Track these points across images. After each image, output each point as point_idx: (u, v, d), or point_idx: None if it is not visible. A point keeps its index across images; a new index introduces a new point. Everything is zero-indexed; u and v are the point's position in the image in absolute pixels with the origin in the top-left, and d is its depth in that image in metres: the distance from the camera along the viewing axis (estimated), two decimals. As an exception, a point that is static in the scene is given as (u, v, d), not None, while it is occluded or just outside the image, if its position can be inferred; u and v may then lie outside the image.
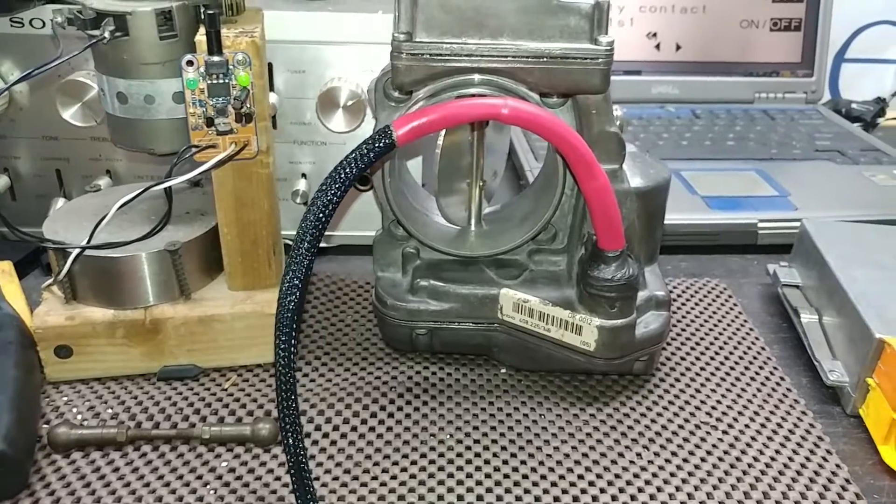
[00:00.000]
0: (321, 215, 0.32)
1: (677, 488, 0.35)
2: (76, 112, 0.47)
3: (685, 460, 0.37)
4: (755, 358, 0.45)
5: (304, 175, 0.51)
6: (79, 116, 0.47)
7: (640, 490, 0.35)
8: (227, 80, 0.36)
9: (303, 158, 0.51)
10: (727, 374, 0.43)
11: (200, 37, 0.36)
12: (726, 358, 0.45)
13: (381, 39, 0.47)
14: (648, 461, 0.37)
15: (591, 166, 0.35)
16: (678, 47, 0.80)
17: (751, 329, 0.47)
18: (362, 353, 0.44)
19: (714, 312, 0.49)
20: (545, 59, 0.36)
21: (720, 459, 0.37)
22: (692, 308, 0.49)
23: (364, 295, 0.50)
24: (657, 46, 0.80)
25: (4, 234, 0.51)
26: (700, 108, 0.79)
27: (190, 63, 0.36)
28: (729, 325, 0.48)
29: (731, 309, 0.50)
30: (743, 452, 0.37)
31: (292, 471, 0.31)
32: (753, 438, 0.38)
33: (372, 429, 0.38)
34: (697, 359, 0.45)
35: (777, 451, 0.37)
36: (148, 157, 0.50)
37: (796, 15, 0.80)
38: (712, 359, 0.45)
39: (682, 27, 0.79)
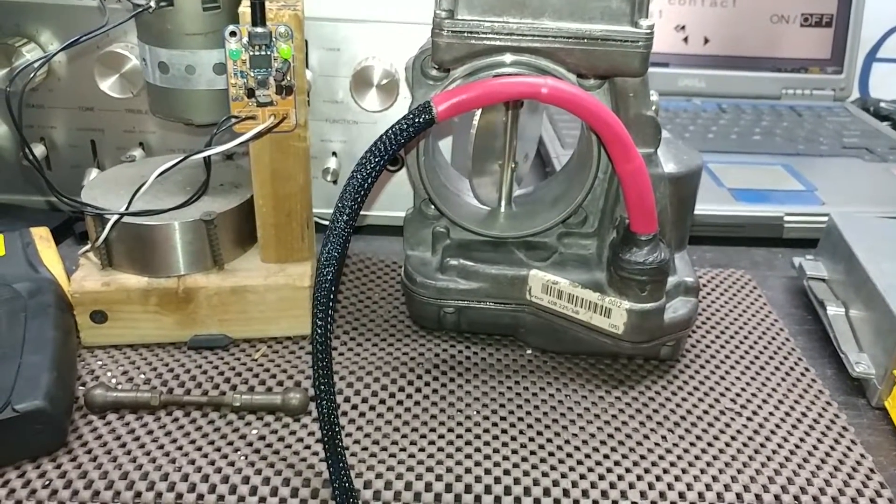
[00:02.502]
0: (360, 189, 0.32)
1: (702, 471, 0.36)
2: (114, 83, 0.47)
3: (710, 444, 0.37)
4: (780, 348, 0.45)
5: (334, 153, 0.51)
6: (116, 88, 0.47)
7: (665, 471, 0.36)
8: (269, 52, 0.36)
9: (334, 137, 0.51)
10: (752, 362, 0.43)
11: (244, 8, 0.36)
12: (751, 347, 0.45)
13: (417, 19, 0.47)
14: (673, 444, 0.37)
15: (627, 148, 0.35)
16: (706, 41, 0.80)
17: (776, 320, 0.47)
18: (390, 330, 0.45)
19: (739, 302, 0.49)
20: (585, 41, 0.36)
21: (744, 445, 0.37)
22: (717, 297, 0.50)
23: (391, 274, 0.50)
24: (685, 39, 0.79)
25: (53, 204, 0.52)
26: (726, 102, 0.78)
27: (233, 34, 0.36)
28: (754, 315, 0.48)
29: (756, 300, 0.50)
30: (767, 439, 0.38)
31: (325, 438, 0.32)
32: (777, 426, 0.38)
33: (400, 402, 0.39)
34: (722, 347, 0.45)
35: (801, 440, 0.38)
36: (180, 130, 0.51)
37: (828, 11, 0.79)
38: (737, 347, 0.45)
39: (710, 21, 0.79)
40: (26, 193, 0.52)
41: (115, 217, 0.39)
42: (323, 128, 0.50)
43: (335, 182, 0.51)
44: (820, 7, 0.79)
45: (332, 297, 0.32)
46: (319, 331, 0.32)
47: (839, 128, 0.73)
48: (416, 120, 0.33)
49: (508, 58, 0.37)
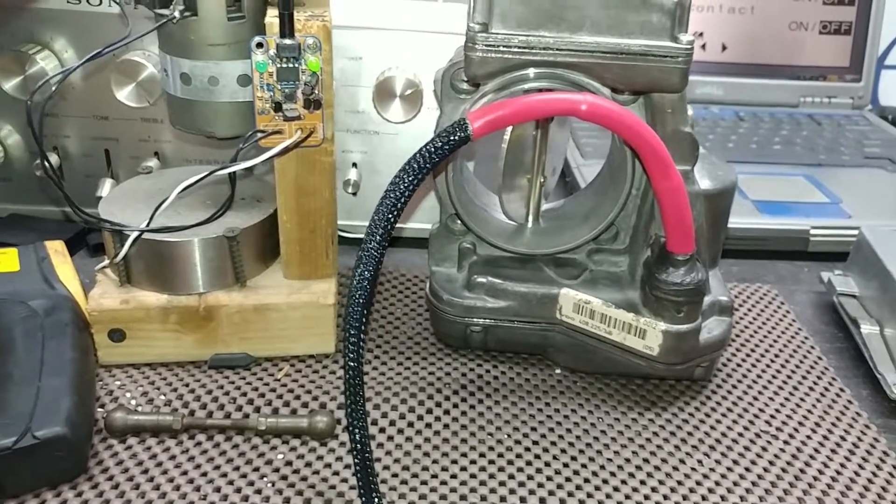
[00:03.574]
0: (394, 209, 0.31)
1: (742, 498, 0.35)
2: (130, 92, 0.46)
3: (747, 469, 0.36)
4: (812, 367, 0.44)
5: (354, 164, 0.50)
6: (133, 97, 0.46)
7: (704, 498, 0.34)
8: (297, 65, 0.35)
9: (354, 147, 0.50)
10: (784, 382, 0.42)
11: (272, 19, 0.35)
12: (782, 366, 0.44)
13: (442, 28, 0.46)
14: (710, 469, 0.36)
15: (667, 166, 0.34)
16: (724, 48, 0.79)
17: (806, 337, 0.46)
18: (414, 348, 0.43)
19: (767, 319, 0.48)
20: (624, 56, 0.35)
21: (783, 471, 0.36)
22: (745, 314, 0.49)
23: (412, 288, 0.49)
24: (703, 46, 0.78)
25: (66, 214, 0.51)
26: (744, 110, 0.77)
27: (260, 45, 0.35)
28: (783, 332, 0.47)
29: (785, 316, 0.49)
30: (806, 465, 0.37)
31: (358, 468, 0.31)
32: (816, 451, 0.37)
33: (429, 425, 0.38)
34: (753, 366, 0.44)
35: (842, 465, 0.37)
36: (196, 140, 0.49)
37: (846, 18, 0.78)
38: (768, 366, 0.44)
39: (729, 27, 0.78)
40: (38, 203, 0.51)
41: (136, 234, 0.38)
42: (344, 138, 0.49)
43: (355, 194, 0.50)
44: (839, 15, 0.78)
45: (364, 320, 0.31)
46: (352, 356, 0.31)
47: (860, 137, 0.72)
48: (452, 138, 0.32)
49: (531, 71, 0.36)
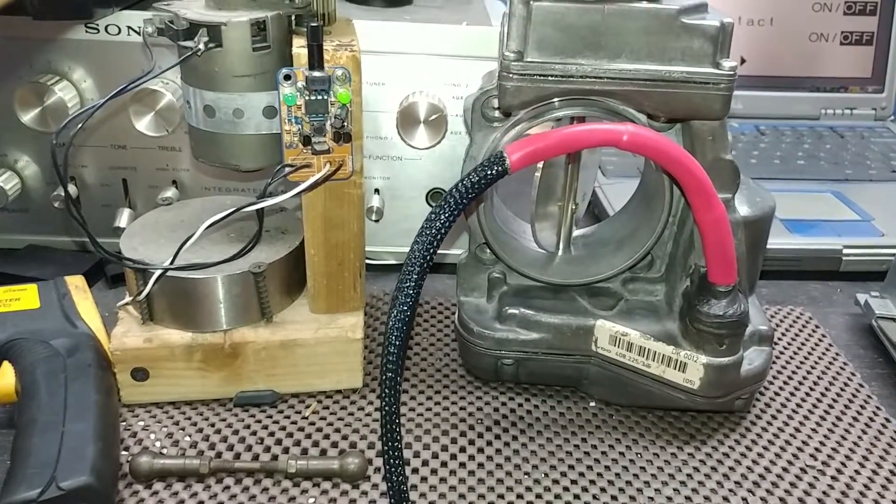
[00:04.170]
0: (430, 246, 0.30)
1: (792, 541, 0.33)
2: (149, 122, 0.45)
3: (797, 509, 0.35)
4: (854, 395, 0.42)
5: (377, 191, 0.49)
6: (151, 126, 0.45)
7: (753, 542, 0.33)
8: (326, 97, 0.34)
9: (376, 174, 0.49)
10: (826, 412, 0.41)
11: (299, 50, 0.34)
12: (823, 394, 0.42)
13: (466, 52, 0.45)
14: (757, 509, 0.35)
15: (710, 196, 0.33)
16: (743, 61, 0.78)
17: (845, 363, 0.45)
18: (443, 381, 0.42)
19: (803, 343, 0.47)
20: (664, 83, 0.33)
21: (835, 510, 0.35)
22: (779, 338, 0.47)
23: (438, 316, 0.48)
24: (721, 58, 0.77)
25: (84, 245, 0.50)
26: (764, 124, 0.76)
27: (287, 77, 0.34)
28: (820, 357, 0.46)
29: (821, 340, 0.47)
30: (858, 503, 0.35)
31: (396, 516, 0.30)
32: (867, 487, 0.36)
33: (463, 465, 0.37)
34: (792, 394, 0.42)
35: (894, 503, 0.35)
36: (214, 169, 0.48)
37: (868, 28, 0.77)
38: (808, 395, 0.42)
39: (747, 40, 0.77)
40: (55, 234, 0.50)
41: (160, 272, 0.37)
42: (366, 165, 0.48)
43: (378, 221, 0.49)
44: (860, 25, 0.77)
45: (401, 362, 0.29)
46: (388, 398, 0.30)
47: (885, 150, 0.71)
48: (489, 172, 0.31)
49: (575, 98, 0.35)
